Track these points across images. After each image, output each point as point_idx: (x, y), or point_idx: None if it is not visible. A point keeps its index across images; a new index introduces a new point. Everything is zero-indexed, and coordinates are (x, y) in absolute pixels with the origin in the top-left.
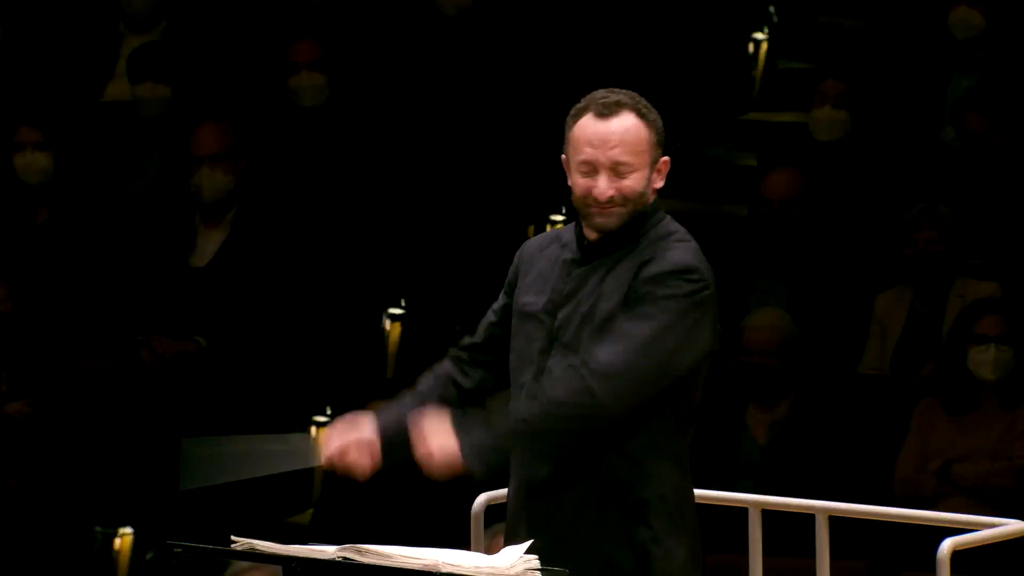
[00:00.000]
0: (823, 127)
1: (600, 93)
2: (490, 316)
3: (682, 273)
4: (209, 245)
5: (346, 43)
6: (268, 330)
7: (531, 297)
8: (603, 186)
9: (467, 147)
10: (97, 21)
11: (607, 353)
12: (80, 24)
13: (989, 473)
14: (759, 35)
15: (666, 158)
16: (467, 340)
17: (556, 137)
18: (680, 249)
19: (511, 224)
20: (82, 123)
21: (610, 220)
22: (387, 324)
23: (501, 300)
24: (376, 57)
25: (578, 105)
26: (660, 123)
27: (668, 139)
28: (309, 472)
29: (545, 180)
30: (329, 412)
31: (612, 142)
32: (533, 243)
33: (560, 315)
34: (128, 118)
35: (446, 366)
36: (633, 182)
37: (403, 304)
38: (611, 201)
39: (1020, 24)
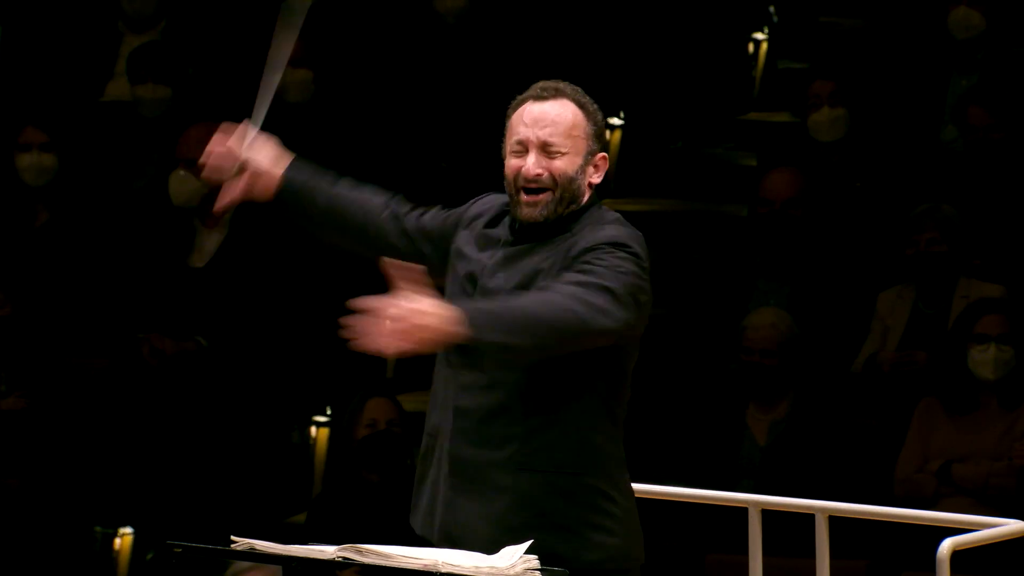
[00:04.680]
0: (823, 127)
1: (543, 82)
2: (431, 217)
3: (618, 247)
4: (208, 245)
5: (331, 38)
6: (268, 330)
7: (460, 261)
8: (530, 163)
9: (455, 144)
10: (97, 21)
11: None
12: (80, 24)
13: (989, 473)
14: (759, 35)
15: (604, 154)
16: (410, 207)
17: None
18: (613, 227)
19: None
20: (82, 123)
21: (535, 210)
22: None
23: (441, 215)
24: (362, 52)
25: (520, 95)
26: (601, 117)
27: (668, 139)
28: (309, 472)
29: None
30: (329, 412)
31: (545, 122)
32: (493, 200)
33: (480, 286)
34: (128, 118)
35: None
36: (564, 164)
37: None
38: (538, 180)
39: (1020, 24)
